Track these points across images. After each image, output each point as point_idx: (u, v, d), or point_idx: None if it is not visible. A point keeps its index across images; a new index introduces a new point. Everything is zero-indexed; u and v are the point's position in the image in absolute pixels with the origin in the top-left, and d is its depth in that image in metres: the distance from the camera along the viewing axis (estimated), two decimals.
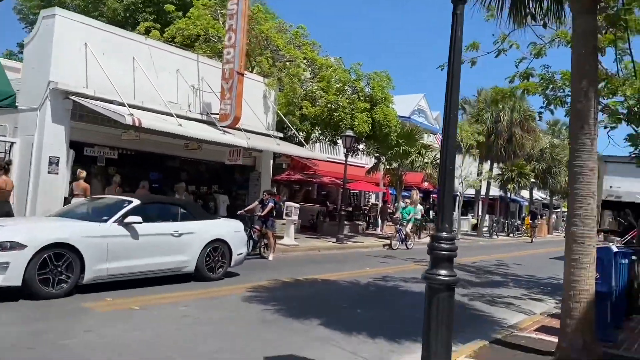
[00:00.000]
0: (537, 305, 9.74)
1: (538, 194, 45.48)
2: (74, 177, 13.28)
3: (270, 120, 19.41)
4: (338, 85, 20.51)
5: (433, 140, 40.59)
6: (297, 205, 17.27)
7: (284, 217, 16.86)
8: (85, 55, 13.28)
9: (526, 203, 43.35)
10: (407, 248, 19.01)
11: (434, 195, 37.01)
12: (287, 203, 17.48)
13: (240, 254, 9.92)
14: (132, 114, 12.65)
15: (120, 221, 7.99)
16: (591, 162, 5.70)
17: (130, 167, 16.52)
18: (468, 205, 42.22)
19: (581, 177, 5.71)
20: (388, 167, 24.26)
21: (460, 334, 6.99)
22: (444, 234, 3.85)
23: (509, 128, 29.48)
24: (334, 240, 18.76)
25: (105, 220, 7.95)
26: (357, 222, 25.25)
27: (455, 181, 29.91)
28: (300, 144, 19.57)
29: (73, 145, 13.66)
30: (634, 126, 10.65)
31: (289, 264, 12.88)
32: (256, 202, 13.87)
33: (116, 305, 7.09)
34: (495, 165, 33.24)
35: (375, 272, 12.10)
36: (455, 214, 31.12)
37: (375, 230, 26.60)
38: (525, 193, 42.80)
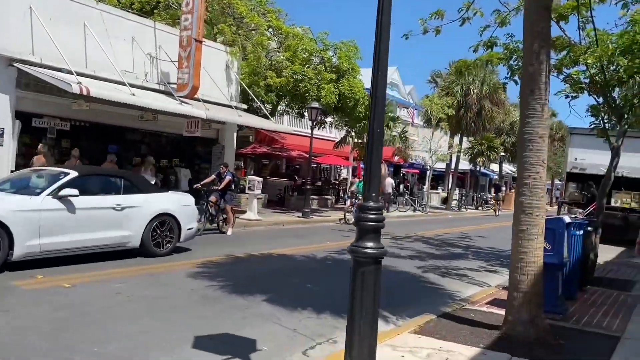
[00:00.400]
0: (493, 277, 9.61)
1: (508, 168, 45.93)
2: (35, 151, 12.87)
3: (233, 91, 18.83)
4: (305, 55, 19.95)
5: (406, 114, 40.46)
6: (260, 179, 16.86)
7: (247, 191, 16.46)
8: (30, 20, 12.55)
9: (496, 176, 43.71)
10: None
11: (405, 170, 37.00)
12: (249, 177, 17.07)
13: (191, 228, 9.52)
14: (80, 82, 12.03)
15: (54, 194, 7.49)
16: (541, 128, 5.44)
17: (86, 140, 15.87)
18: (439, 179, 42.43)
19: (530, 145, 5.45)
20: (357, 140, 23.91)
21: (409, 307, 6.81)
22: (371, 204, 3.53)
23: (479, 101, 29.37)
24: (300, 214, 18.47)
25: (38, 193, 7.45)
26: (325, 196, 24.99)
27: (425, 155, 29.86)
28: (265, 116, 19.05)
29: (20, 115, 13.03)
30: (595, 96, 10.50)
31: (248, 238, 12.55)
32: (213, 176, 13.42)
33: (47, 282, 6.66)
34: (465, 138, 33.23)
35: (335, 246, 11.84)
36: (425, 188, 31.20)
37: (344, 204, 26.39)
38: (495, 166, 43.13)
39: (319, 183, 26.81)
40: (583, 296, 7.94)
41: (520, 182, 5.56)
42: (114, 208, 8.20)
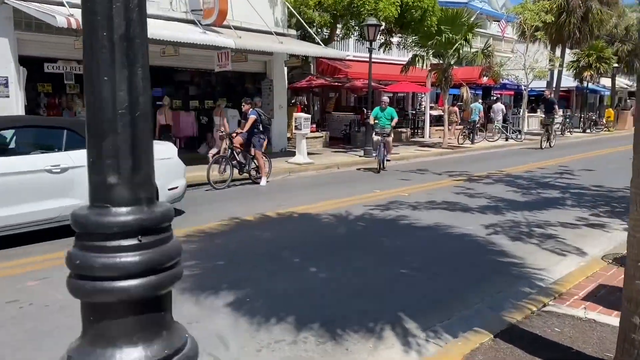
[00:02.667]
0: (597, 236, 6.63)
1: (622, 81, 39.45)
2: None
3: (279, 16, 16.25)
4: None
5: (497, 29, 35.40)
6: (308, 116, 14.41)
7: (294, 131, 14.17)
8: None
9: (607, 92, 37.70)
10: (384, 168, 13.09)
11: (496, 92, 32.56)
12: (295, 114, 14.68)
13: (175, 187, 7.35)
14: (72, 15, 10.09)
15: None
16: None
17: None
18: (539, 101, 37.37)
19: None
20: (433, 61, 20.41)
21: (458, 308, 4.31)
22: (124, 212, 1.01)
23: (585, 2, 24.23)
24: (362, 153, 15.96)
25: None
26: (399, 129, 22.05)
27: (519, 73, 25.54)
28: (317, 42, 16.34)
29: (28, 60, 11.60)
30: None
31: (281, 190, 10.37)
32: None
33: None
34: (568, 50, 28.15)
35: (383, 197, 9.27)
36: (521, 112, 27.01)
37: (422, 137, 23.38)
38: (606, 81, 36.98)
39: None
40: None
41: None
42: (49, 170, 6.08)
